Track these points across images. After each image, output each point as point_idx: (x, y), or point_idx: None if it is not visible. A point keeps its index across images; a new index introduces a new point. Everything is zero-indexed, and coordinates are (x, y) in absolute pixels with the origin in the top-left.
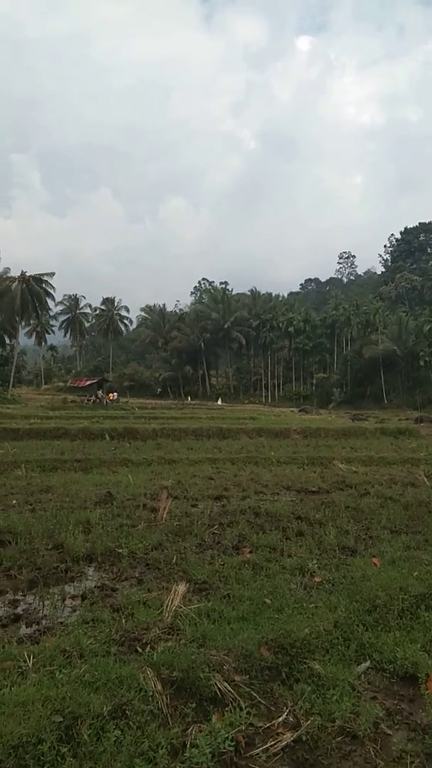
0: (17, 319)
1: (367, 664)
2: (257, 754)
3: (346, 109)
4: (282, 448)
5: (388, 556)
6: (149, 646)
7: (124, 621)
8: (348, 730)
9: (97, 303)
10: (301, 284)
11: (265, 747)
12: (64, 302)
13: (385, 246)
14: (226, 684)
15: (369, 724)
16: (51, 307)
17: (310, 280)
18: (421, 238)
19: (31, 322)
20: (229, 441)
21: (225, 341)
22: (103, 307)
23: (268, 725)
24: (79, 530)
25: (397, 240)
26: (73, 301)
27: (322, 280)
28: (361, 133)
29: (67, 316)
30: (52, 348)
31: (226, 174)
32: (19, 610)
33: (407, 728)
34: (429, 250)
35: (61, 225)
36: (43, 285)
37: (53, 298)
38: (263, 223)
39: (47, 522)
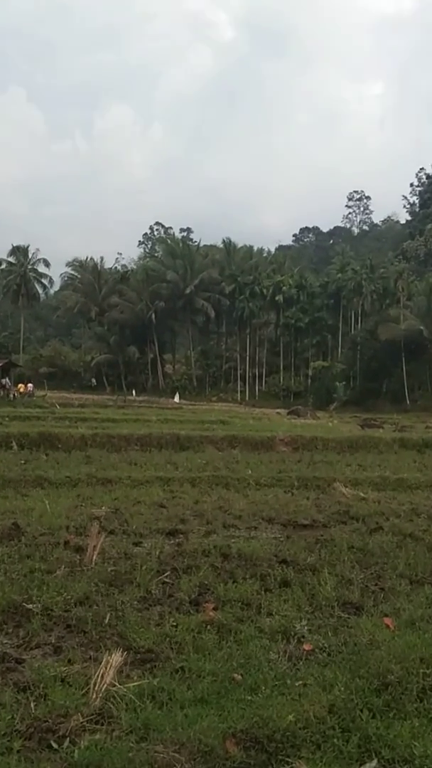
0: None
1: (374, 763)
2: None
3: None
4: (263, 465)
5: (406, 616)
6: (68, 739)
7: (33, 705)
8: None
9: (3, 254)
10: (294, 235)
11: None
12: None
13: (411, 185)
14: None
15: None
16: None
17: (307, 229)
18: None
19: None
20: (189, 453)
21: (186, 312)
22: (11, 259)
23: None
24: None
25: (428, 177)
26: None
27: (324, 230)
28: (382, 23)
29: None
30: None
31: (192, 75)
32: None
33: None
34: None
35: None
36: None
37: None
38: (243, 146)
39: None
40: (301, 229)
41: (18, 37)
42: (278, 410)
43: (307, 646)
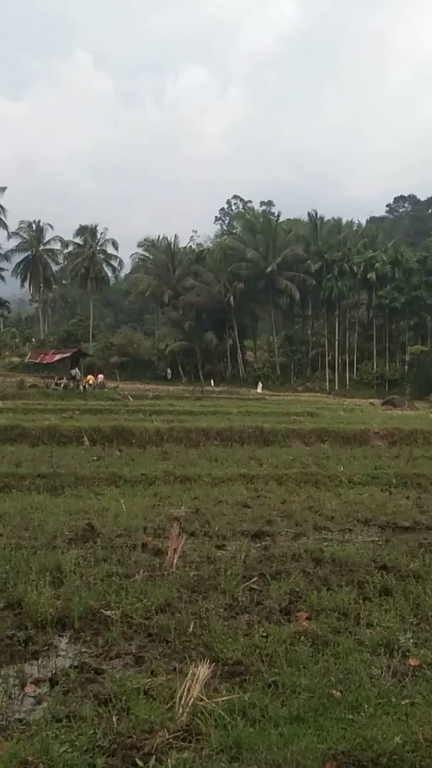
0: None
1: None
2: None
3: None
4: (356, 461)
5: None
6: (155, 757)
7: (115, 719)
8: None
9: (70, 234)
10: (388, 205)
11: None
12: (21, 233)
13: None
14: None
15: None
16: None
17: (402, 198)
18: None
19: None
20: (275, 449)
21: (268, 294)
22: (79, 240)
23: None
24: (45, 581)
25: None
26: (33, 232)
27: (422, 198)
28: None
29: (26, 254)
30: (1, 304)
31: (272, 31)
32: None
33: None
34: None
35: (14, 112)
36: None
37: (4, 226)
38: (329, 109)
39: None
40: (395, 199)
41: None
42: (372, 400)
43: (413, 661)
